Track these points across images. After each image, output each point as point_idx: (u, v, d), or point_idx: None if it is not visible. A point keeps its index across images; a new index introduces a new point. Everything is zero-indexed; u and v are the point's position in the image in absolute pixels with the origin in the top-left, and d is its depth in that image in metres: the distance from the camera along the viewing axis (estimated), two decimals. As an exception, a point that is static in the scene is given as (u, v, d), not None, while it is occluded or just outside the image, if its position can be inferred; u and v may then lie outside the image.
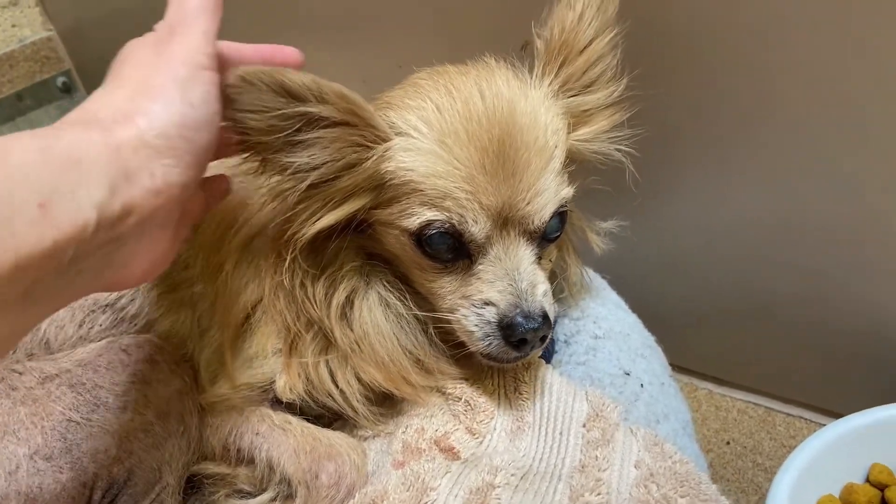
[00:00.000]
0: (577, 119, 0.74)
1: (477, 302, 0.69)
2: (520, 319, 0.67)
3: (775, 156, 1.00)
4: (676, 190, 1.10)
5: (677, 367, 1.31)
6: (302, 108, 0.59)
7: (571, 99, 0.73)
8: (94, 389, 0.71)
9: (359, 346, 0.72)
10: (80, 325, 0.80)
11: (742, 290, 1.17)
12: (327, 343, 0.73)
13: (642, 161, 0.78)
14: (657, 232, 1.16)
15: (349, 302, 0.72)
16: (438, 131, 0.65)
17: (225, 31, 0.58)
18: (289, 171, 0.63)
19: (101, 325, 0.80)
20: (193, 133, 0.52)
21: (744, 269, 1.14)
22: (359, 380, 0.73)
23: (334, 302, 0.71)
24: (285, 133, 0.60)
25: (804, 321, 1.14)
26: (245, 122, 0.59)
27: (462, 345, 0.74)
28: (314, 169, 0.63)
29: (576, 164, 0.76)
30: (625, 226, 0.86)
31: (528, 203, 0.68)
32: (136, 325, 0.81)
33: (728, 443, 1.21)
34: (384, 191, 0.67)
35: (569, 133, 0.73)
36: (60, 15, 1.75)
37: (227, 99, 0.57)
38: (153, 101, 0.50)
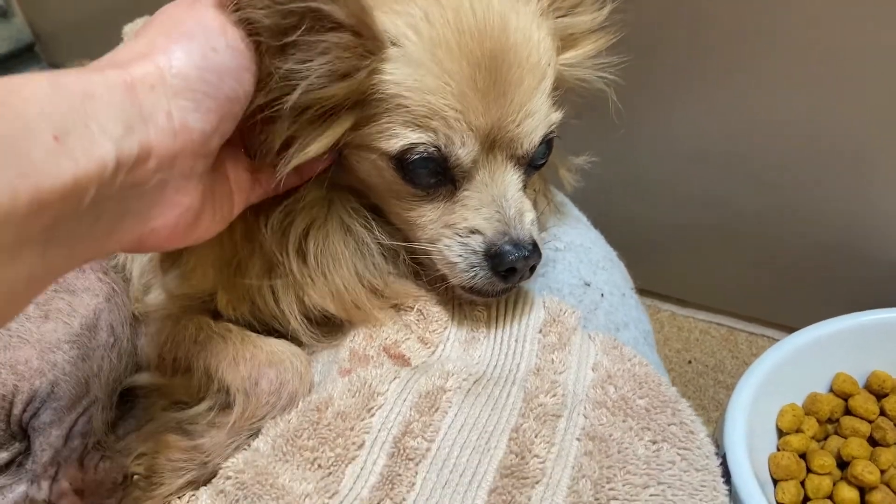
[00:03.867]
0: (563, 42, 0.70)
1: (461, 230, 0.65)
2: (508, 247, 0.64)
3: (744, 78, 0.97)
4: (639, 114, 1.07)
5: (640, 289, 1.28)
6: (313, 4, 0.51)
7: (559, 20, 0.69)
8: (12, 297, 0.66)
9: (312, 278, 0.67)
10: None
11: (704, 211, 1.15)
12: (273, 264, 0.68)
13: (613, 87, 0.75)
14: (620, 155, 1.12)
15: (306, 233, 0.67)
16: (429, 41, 0.59)
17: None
18: (279, 78, 0.54)
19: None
20: (216, 78, 0.49)
21: (705, 189, 1.13)
22: (302, 302, 0.68)
23: (292, 234, 0.66)
24: (286, 31, 0.52)
25: (766, 239, 1.12)
26: (252, 19, 0.51)
27: (440, 279, 0.70)
28: (306, 77, 0.54)
29: (560, 91, 0.71)
30: (593, 158, 0.83)
31: (519, 125, 0.63)
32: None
33: (690, 362, 1.20)
34: (365, 108, 0.61)
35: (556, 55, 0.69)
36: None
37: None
38: (174, 42, 0.48)
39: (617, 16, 0.72)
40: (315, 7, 0.52)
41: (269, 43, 0.52)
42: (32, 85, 0.40)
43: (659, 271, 1.26)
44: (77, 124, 0.41)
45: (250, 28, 0.51)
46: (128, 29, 1.25)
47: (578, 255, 0.89)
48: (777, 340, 1.19)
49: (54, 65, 1.90)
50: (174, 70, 0.47)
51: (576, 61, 0.71)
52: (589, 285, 0.85)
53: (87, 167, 0.41)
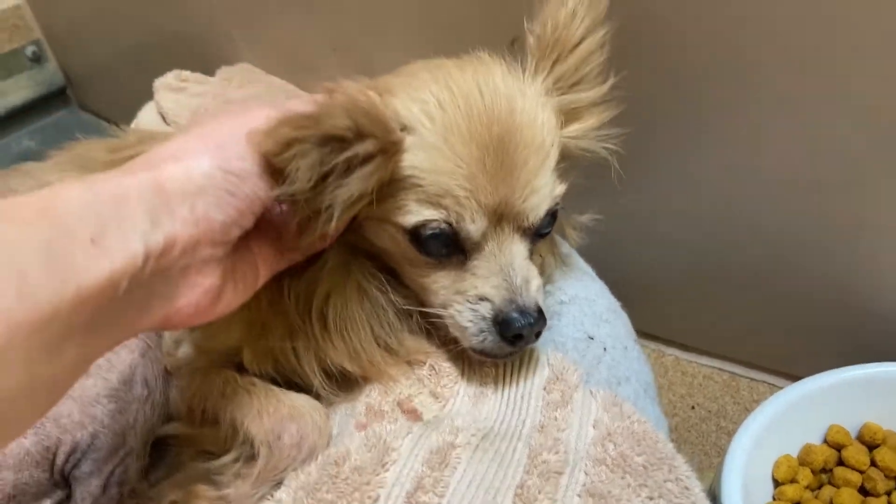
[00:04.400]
0: (567, 116, 0.74)
1: (471, 297, 0.69)
2: (515, 315, 0.68)
3: (740, 143, 1.02)
4: (647, 167, 1.11)
5: (645, 333, 1.33)
6: (347, 155, 0.56)
7: (563, 97, 0.73)
8: (56, 354, 0.71)
9: (332, 341, 0.72)
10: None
11: (709, 259, 1.19)
12: (295, 328, 0.72)
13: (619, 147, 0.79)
14: (625, 212, 1.16)
15: (326, 298, 0.71)
16: (441, 127, 0.65)
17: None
18: (315, 208, 0.59)
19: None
20: (239, 180, 0.54)
21: (711, 238, 1.16)
22: (322, 360, 0.73)
23: (315, 302, 0.71)
24: (323, 178, 0.56)
25: (769, 288, 1.16)
26: (294, 188, 0.55)
27: (452, 341, 0.74)
28: (341, 198, 0.59)
29: (565, 162, 0.77)
30: (597, 216, 0.88)
31: (525, 201, 0.68)
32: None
33: (693, 407, 1.23)
34: (383, 187, 0.65)
35: (560, 130, 0.74)
36: (28, -18, 1.73)
37: (275, 170, 0.54)
38: (205, 150, 0.53)
39: (616, 92, 0.76)
40: (352, 154, 0.56)
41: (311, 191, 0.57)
42: (70, 192, 0.45)
43: (664, 317, 1.30)
44: (111, 225, 0.46)
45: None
46: (158, 83, 1.32)
47: (582, 308, 0.93)
48: (777, 387, 1.24)
49: (85, 107, 1.99)
50: (201, 173, 0.52)
51: (580, 133, 0.76)
52: (592, 339, 0.89)
53: (122, 263, 0.46)
